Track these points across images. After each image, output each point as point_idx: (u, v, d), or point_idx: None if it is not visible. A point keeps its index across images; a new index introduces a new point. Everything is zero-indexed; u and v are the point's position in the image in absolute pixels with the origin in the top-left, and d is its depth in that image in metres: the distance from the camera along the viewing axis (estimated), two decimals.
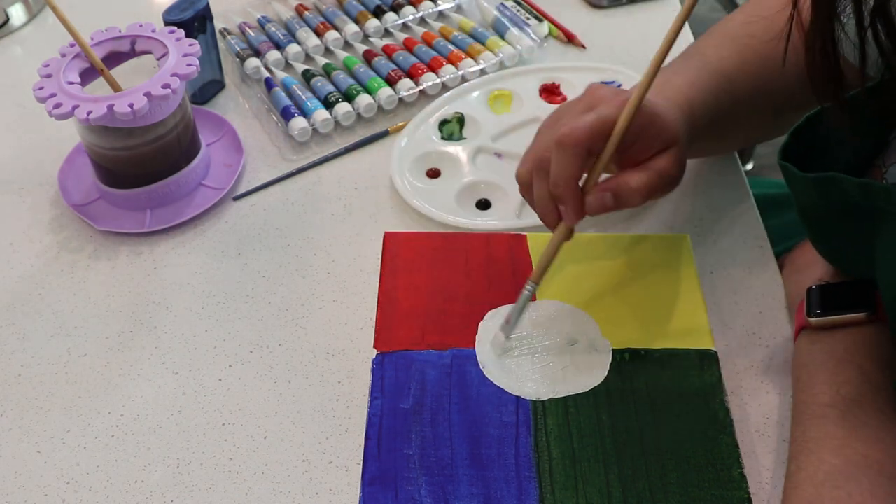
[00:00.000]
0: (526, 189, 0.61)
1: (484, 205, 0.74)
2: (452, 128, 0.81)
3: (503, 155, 0.78)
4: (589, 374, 0.60)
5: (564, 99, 0.83)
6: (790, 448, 0.53)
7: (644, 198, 0.57)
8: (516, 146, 0.78)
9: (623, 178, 0.57)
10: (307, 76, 0.86)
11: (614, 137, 0.56)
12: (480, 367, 0.60)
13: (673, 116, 0.59)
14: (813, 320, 0.56)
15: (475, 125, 0.81)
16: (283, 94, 0.83)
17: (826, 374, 0.53)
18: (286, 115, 0.81)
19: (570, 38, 0.91)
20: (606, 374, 0.60)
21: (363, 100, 0.82)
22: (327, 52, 0.91)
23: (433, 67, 0.86)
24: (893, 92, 0.49)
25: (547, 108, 0.82)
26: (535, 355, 0.61)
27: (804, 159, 0.53)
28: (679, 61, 0.67)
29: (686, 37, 0.91)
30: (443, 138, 0.80)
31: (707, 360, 0.60)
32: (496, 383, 0.59)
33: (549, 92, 0.84)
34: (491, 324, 0.63)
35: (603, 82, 0.83)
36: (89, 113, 0.66)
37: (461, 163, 0.77)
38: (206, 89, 0.85)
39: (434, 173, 0.77)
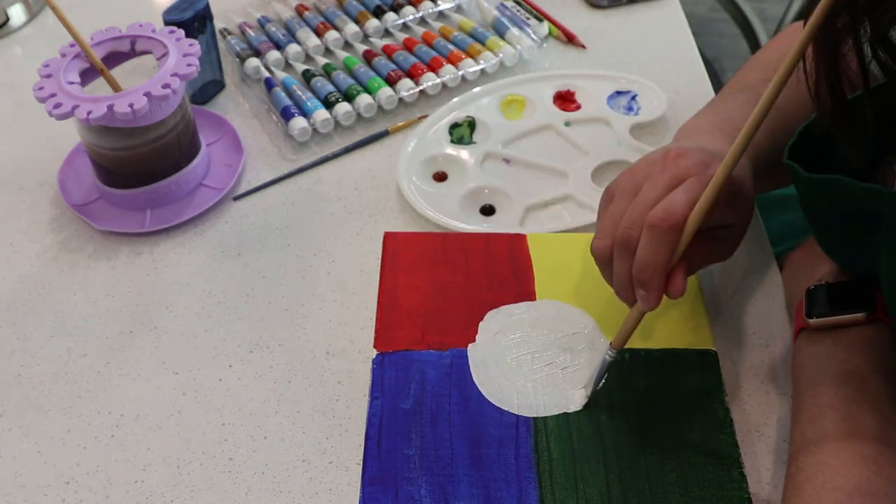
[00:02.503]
0: (605, 265, 0.56)
1: (488, 210, 0.74)
2: (463, 131, 0.80)
3: (512, 161, 0.78)
4: (588, 374, 0.60)
5: (579, 107, 0.82)
6: (790, 449, 0.53)
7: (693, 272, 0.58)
8: (526, 152, 0.78)
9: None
10: (307, 76, 0.86)
11: (700, 215, 0.51)
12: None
13: (749, 184, 0.56)
14: (812, 321, 0.56)
15: (486, 129, 0.80)
16: (283, 94, 0.83)
17: (825, 376, 0.53)
18: (286, 115, 0.81)
19: (570, 38, 0.91)
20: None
21: (363, 100, 0.82)
22: (327, 52, 0.91)
23: (433, 67, 0.86)
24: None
25: (560, 116, 0.81)
26: (534, 355, 0.61)
27: (812, 159, 0.52)
28: (729, 96, 0.64)
29: (686, 37, 0.91)
30: (452, 142, 0.80)
31: (707, 360, 0.60)
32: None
33: (564, 99, 0.83)
34: (491, 324, 0.63)
35: (618, 92, 0.83)
36: (89, 113, 0.66)
37: (468, 167, 0.77)
38: (206, 89, 0.85)
39: (441, 177, 0.77)
